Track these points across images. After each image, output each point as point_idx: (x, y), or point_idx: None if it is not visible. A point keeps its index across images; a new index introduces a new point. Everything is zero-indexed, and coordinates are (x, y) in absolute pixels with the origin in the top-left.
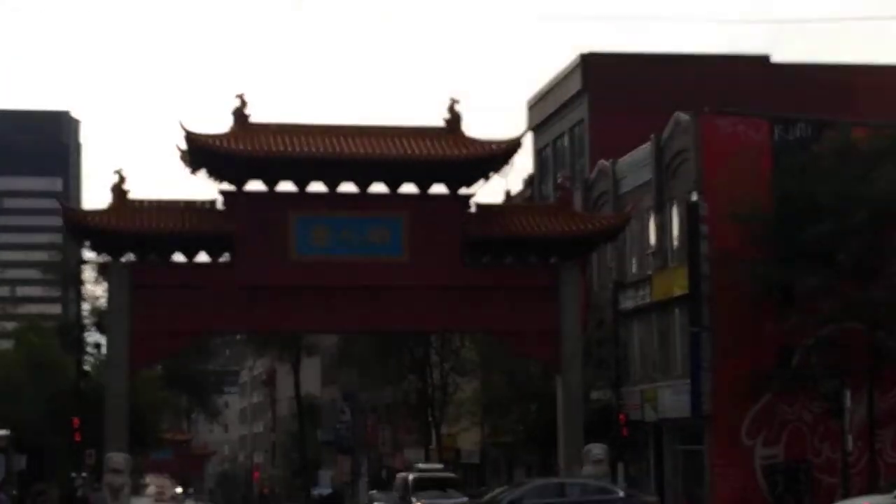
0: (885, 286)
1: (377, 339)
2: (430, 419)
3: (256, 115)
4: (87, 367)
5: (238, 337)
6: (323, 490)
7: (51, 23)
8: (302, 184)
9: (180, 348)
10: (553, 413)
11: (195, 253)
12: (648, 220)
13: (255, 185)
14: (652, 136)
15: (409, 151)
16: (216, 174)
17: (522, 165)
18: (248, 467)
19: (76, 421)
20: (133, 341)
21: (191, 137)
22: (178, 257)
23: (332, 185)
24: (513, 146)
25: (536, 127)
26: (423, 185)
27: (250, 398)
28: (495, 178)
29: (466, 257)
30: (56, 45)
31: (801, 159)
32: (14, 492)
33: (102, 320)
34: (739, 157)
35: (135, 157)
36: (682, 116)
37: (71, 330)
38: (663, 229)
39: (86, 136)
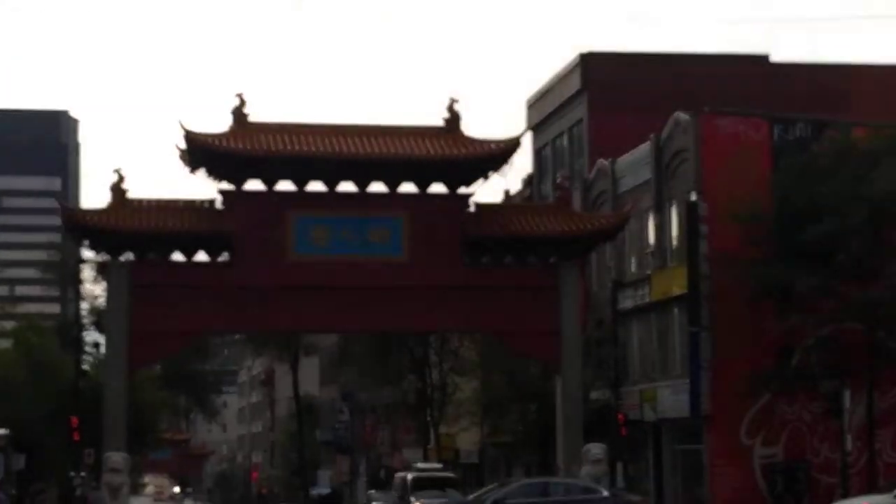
0: (885, 286)
1: (376, 338)
2: (429, 419)
3: (256, 115)
4: (85, 367)
5: (237, 336)
6: (321, 490)
7: (50, 22)
8: (301, 183)
9: (179, 348)
10: (552, 413)
11: (194, 252)
12: (647, 220)
13: (255, 185)
14: (651, 135)
15: (408, 151)
16: (215, 173)
17: (521, 165)
18: (247, 467)
19: (75, 420)
20: (132, 341)
21: (190, 137)
22: (177, 257)
23: (331, 184)
24: (512, 146)
25: (535, 126)
26: (423, 185)
27: (249, 398)
28: (494, 178)
29: (466, 257)
30: (55, 45)
31: (801, 159)
32: (13, 491)
33: (101, 320)
34: (739, 156)
35: (134, 156)
36: (682, 116)
37: (70, 329)
38: (662, 229)
39: (85, 136)
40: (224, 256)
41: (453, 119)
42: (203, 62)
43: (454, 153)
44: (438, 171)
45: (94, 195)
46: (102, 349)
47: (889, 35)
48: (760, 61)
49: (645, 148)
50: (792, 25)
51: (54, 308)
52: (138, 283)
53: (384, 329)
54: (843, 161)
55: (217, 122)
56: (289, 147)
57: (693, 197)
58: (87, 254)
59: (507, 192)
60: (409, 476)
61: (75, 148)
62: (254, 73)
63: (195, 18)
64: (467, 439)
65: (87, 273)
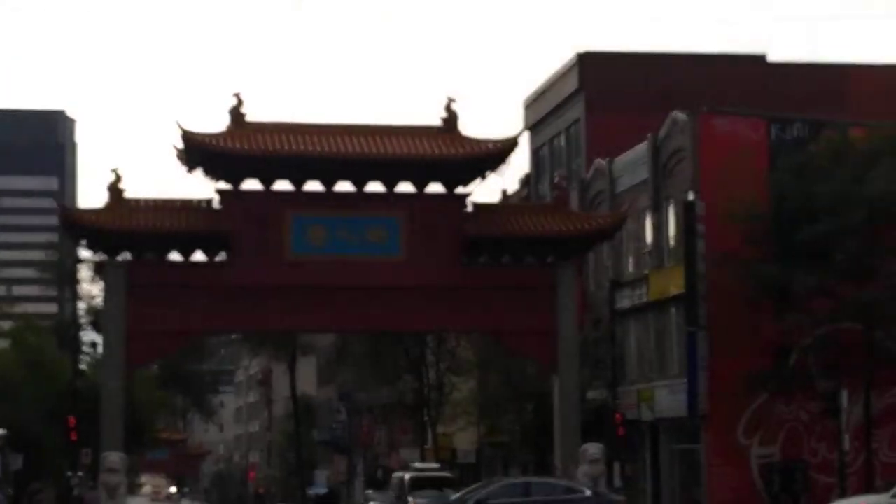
0: (882, 286)
1: (373, 338)
2: (426, 419)
3: (257, 115)
4: (83, 367)
5: (234, 336)
6: (319, 490)
7: (46, 22)
8: (298, 183)
9: (176, 348)
10: (549, 412)
11: (191, 252)
12: (645, 220)
13: (252, 184)
14: (648, 135)
15: (405, 150)
16: (213, 173)
17: (519, 165)
18: (244, 467)
19: (72, 420)
20: (129, 340)
21: (187, 136)
22: (175, 256)
23: (328, 184)
24: (509, 145)
25: (533, 126)
26: (420, 185)
27: (246, 398)
28: (492, 178)
29: (463, 257)
30: (51, 45)
31: (798, 159)
32: (10, 491)
33: (98, 319)
34: (736, 156)
35: (131, 155)
36: (679, 116)
37: (67, 329)
38: (660, 229)
39: (82, 135)
40: (221, 256)
41: (451, 119)
42: (202, 62)
43: (452, 153)
44: (436, 171)
45: (91, 195)
46: (100, 349)
47: (886, 34)
48: (758, 61)
49: (642, 148)
50: (791, 25)
51: (51, 308)
52: (135, 282)
53: (382, 329)
54: (841, 161)
55: (215, 122)
56: (286, 147)
57: (690, 196)
58: (85, 253)
59: (504, 192)
60: (407, 476)
61: (72, 148)
62: (253, 73)
63: (194, 18)
64: (464, 439)
65: (85, 273)
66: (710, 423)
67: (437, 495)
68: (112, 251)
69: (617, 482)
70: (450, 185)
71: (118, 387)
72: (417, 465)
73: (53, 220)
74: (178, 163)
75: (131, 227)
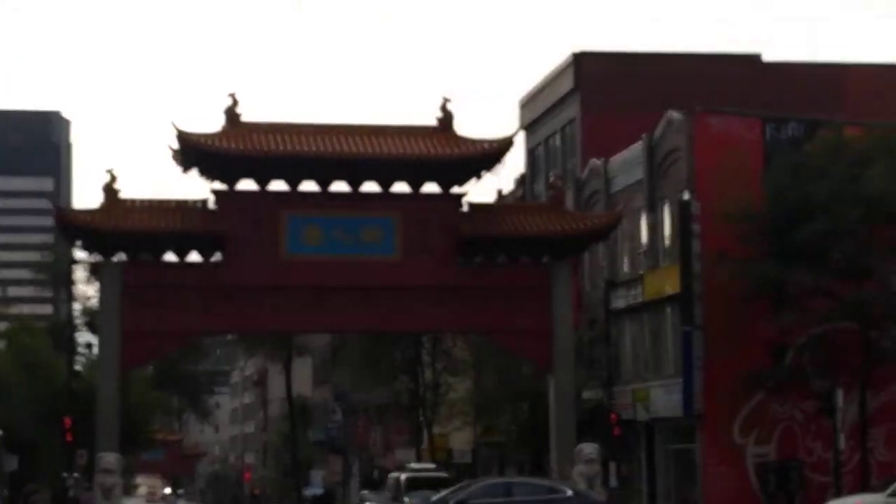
0: (878, 285)
1: (369, 339)
2: (422, 419)
3: (255, 115)
4: (78, 368)
5: (229, 337)
6: (314, 490)
7: (42, 23)
8: (294, 183)
9: (172, 348)
10: (545, 412)
11: (187, 252)
12: (640, 219)
13: (247, 185)
14: (644, 134)
15: (401, 150)
16: (208, 173)
17: (514, 164)
18: (239, 468)
19: (68, 421)
20: (124, 341)
21: (182, 136)
22: (170, 257)
23: (324, 184)
24: (505, 145)
25: (528, 126)
26: (416, 185)
27: (241, 398)
28: (487, 178)
29: (459, 257)
30: (47, 45)
31: (794, 158)
32: (6, 492)
33: (94, 320)
34: (731, 156)
35: (126, 156)
36: (674, 115)
37: (62, 330)
38: (655, 228)
39: (76, 136)
40: (217, 256)
41: (446, 118)
42: (200, 62)
43: (447, 153)
44: (431, 171)
45: (86, 196)
46: (95, 350)
47: (881, 33)
48: (753, 60)
49: (637, 147)
50: (790, 25)
51: (47, 309)
52: (130, 283)
53: (377, 329)
54: (836, 160)
55: (211, 123)
56: (281, 147)
57: (686, 196)
58: (80, 254)
59: (499, 192)
60: (403, 476)
61: (67, 148)
62: (251, 73)
63: (193, 18)
64: (460, 439)
65: (80, 274)
66: (705, 422)
67: (432, 495)
68: (107, 252)
69: (612, 482)
70: (445, 185)
71: (114, 388)
72: (413, 465)
73: (48, 221)
74: (173, 163)
75: (126, 228)
